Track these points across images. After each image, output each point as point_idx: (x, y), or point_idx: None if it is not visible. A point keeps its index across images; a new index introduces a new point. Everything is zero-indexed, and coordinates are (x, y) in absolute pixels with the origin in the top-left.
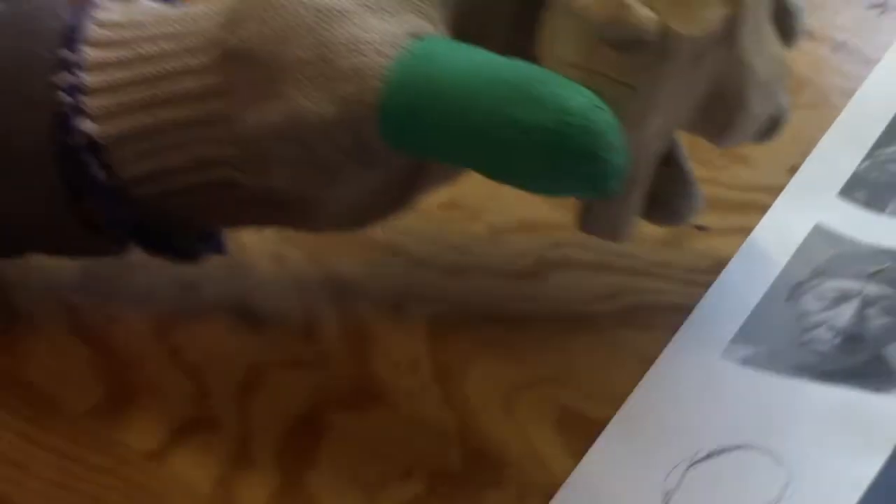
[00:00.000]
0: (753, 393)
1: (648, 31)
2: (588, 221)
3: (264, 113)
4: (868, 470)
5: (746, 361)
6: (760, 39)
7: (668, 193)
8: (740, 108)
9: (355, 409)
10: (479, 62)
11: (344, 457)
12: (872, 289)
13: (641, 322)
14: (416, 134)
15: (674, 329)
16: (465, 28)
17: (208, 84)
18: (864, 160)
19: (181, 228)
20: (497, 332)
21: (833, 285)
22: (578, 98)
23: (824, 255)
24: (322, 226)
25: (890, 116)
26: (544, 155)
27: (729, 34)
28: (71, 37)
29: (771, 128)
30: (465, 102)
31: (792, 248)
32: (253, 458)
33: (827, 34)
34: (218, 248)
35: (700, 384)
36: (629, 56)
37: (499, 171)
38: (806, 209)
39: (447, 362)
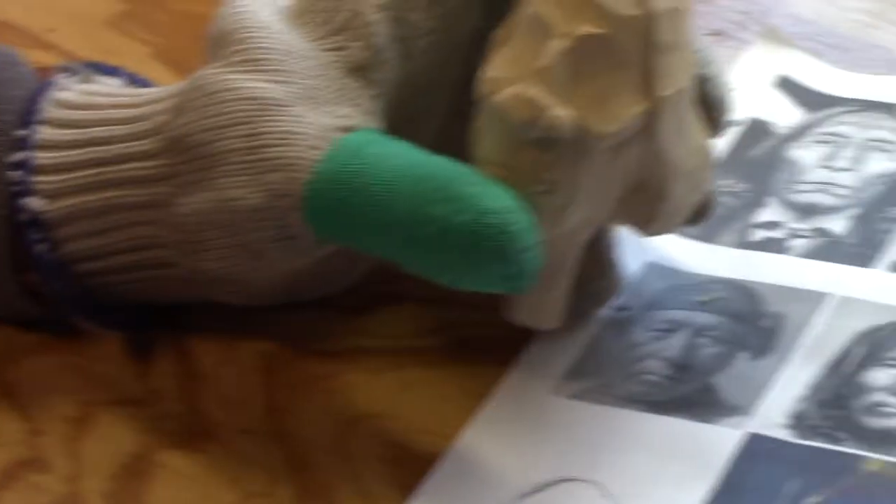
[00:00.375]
0: (583, 426)
1: (564, 130)
2: (511, 309)
3: (197, 199)
4: (693, 500)
5: (578, 395)
6: (682, 131)
7: (586, 277)
8: (662, 199)
9: (186, 448)
10: (406, 159)
11: (175, 496)
12: (703, 318)
13: (474, 357)
14: (339, 225)
15: (507, 364)
16: (400, 117)
17: (152, 169)
18: None
19: (123, 302)
20: (329, 367)
21: (663, 316)
22: (496, 199)
23: (656, 288)
24: (254, 300)
25: (724, 151)
26: (460, 254)
27: (648, 128)
28: (29, 115)
29: (699, 214)
30: (387, 198)
31: (624, 283)
32: (84, 499)
33: None
34: (158, 320)
35: (531, 419)
36: (548, 154)
37: (417, 266)
38: (637, 247)
39: (279, 398)
